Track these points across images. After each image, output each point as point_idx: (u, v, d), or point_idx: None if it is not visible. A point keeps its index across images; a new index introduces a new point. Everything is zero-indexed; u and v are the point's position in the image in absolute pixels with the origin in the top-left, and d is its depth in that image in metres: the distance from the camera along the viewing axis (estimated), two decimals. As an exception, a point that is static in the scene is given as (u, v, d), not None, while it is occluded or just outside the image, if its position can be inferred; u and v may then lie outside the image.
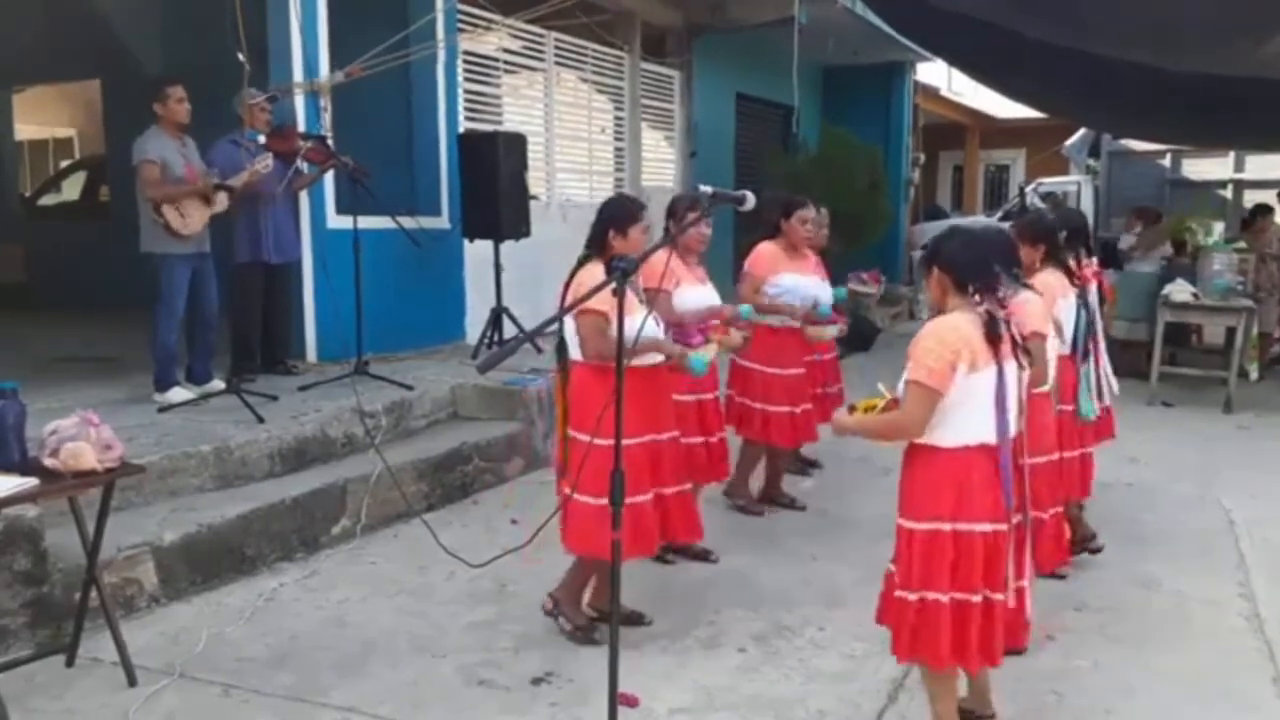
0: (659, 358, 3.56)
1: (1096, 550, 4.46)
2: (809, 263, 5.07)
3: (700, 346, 3.87)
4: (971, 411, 2.68)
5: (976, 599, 2.72)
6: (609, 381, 3.10)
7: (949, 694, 2.89)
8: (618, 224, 3.49)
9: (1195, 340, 9.87)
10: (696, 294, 4.30)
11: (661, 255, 4.00)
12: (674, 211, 4.46)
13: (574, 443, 3.46)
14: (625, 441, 3.10)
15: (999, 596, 2.75)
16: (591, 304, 3.15)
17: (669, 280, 3.97)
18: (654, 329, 3.47)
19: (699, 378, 3.87)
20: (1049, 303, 3.88)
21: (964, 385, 2.65)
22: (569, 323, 3.43)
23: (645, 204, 3.68)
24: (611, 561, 2.65)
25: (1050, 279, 4.05)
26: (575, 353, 3.50)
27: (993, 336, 2.67)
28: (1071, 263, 4.25)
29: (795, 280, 4.89)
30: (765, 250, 4.95)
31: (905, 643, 2.79)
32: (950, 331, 2.69)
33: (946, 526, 2.70)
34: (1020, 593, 2.88)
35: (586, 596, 3.75)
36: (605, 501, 3.22)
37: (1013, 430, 2.75)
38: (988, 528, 2.71)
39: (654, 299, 3.73)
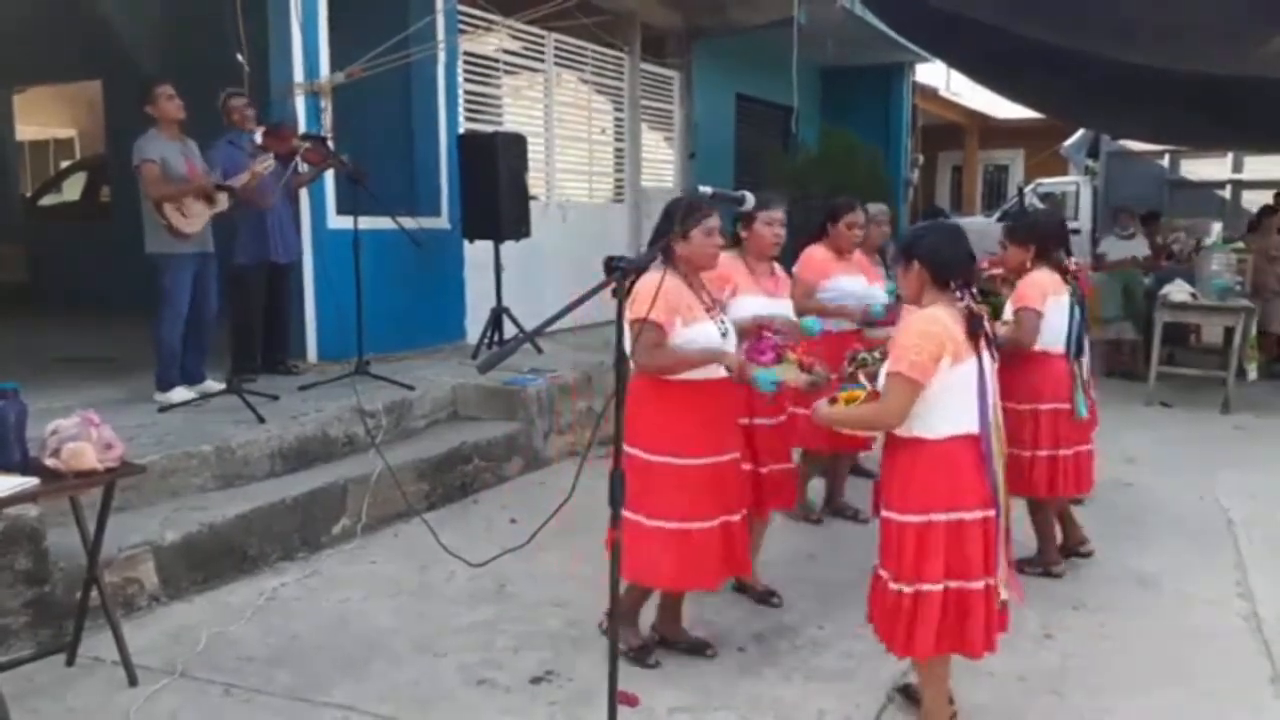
0: (721, 370, 3.24)
1: (1087, 554, 4.49)
2: (856, 265, 4.90)
3: (770, 364, 3.39)
4: (957, 402, 2.74)
5: (978, 586, 2.75)
6: (665, 393, 3.16)
7: (941, 680, 2.92)
8: (680, 225, 3.23)
9: (1194, 340, 9.88)
10: (757, 305, 3.78)
11: (726, 260, 3.79)
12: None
13: (627, 457, 3.21)
14: (690, 462, 3.17)
15: (993, 582, 2.78)
16: (645, 312, 3.01)
17: (727, 287, 3.73)
18: (714, 337, 3.25)
19: (767, 394, 3.35)
20: (1039, 300, 4.03)
21: (948, 376, 2.72)
22: (626, 330, 3.23)
23: (711, 205, 3.33)
24: (611, 564, 2.63)
25: (1042, 278, 4.12)
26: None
27: (974, 331, 2.75)
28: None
29: (848, 283, 4.76)
30: (815, 254, 4.80)
31: (901, 639, 2.82)
32: (933, 324, 2.75)
33: (940, 517, 2.74)
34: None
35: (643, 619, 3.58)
36: (660, 523, 3.18)
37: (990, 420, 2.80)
38: (979, 515, 2.75)
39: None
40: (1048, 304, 4.08)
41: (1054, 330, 4.12)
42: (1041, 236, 4.23)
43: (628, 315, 3.02)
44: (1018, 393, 4.14)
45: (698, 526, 3.19)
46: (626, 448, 3.24)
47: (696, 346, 3.19)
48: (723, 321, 3.35)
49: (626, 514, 3.15)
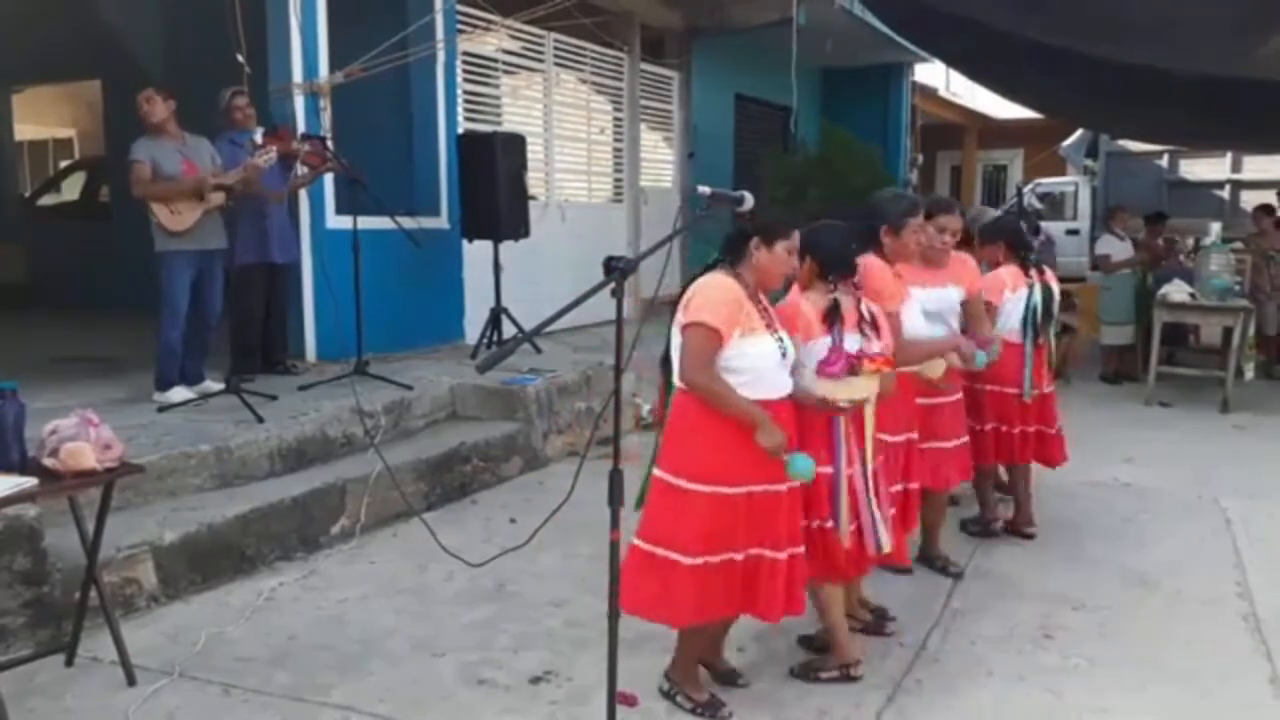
0: (783, 390, 2.99)
1: (1029, 536, 4.74)
2: (948, 274, 4.16)
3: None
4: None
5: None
6: (715, 422, 2.88)
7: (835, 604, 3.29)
8: (768, 234, 2.99)
9: (1193, 340, 9.88)
10: (928, 297, 3.90)
11: (879, 267, 3.56)
12: (884, 213, 3.75)
13: (656, 481, 2.99)
14: (727, 490, 2.91)
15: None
16: (705, 318, 2.85)
17: (896, 296, 3.54)
18: (771, 355, 2.94)
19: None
20: (997, 294, 4.56)
21: (803, 351, 3.12)
22: (675, 336, 2.98)
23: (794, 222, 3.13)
24: (610, 566, 2.63)
25: (1003, 274, 4.67)
26: (678, 375, 2.98)
27: (828, 317, 3.14)
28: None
29: (938, 295, 4.14)
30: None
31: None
32: (790, 310, 3.19)
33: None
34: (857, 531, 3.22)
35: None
36: (661, 551, 2.92)
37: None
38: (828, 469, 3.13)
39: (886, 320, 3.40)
40: (1005, 297, 4.60)
41: (1012, 320, 4.59)
42: (1005, 233, 4.88)
43: (680, 319, 2.94)
44: (979, 375, 4.57)
45: (725, 557, 2.92)
46: (658, 471, 3.00)
47: (746, 390, 2.90)
48: (781, 339, 3.00)
49: (634, 539, 2.97)
